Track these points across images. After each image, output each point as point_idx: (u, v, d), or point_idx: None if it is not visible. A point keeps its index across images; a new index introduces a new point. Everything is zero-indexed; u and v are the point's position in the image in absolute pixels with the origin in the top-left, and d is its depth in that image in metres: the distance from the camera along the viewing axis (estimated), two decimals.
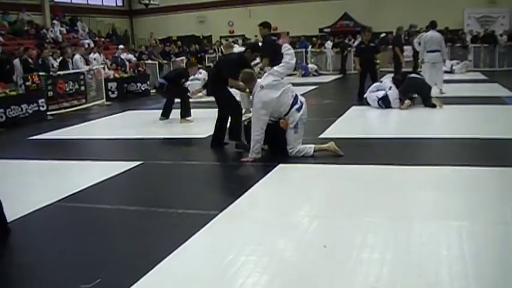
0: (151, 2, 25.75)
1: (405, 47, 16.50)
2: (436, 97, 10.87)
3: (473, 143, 7.08)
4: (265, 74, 6.73)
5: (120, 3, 30.86)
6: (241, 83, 6.90)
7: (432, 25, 12.74)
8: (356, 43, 17.59)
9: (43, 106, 12.15)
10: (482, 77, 17.57)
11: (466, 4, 24.85)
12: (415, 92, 10.57)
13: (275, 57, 8.72)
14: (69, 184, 5.86)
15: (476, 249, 3.60)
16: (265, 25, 9.62)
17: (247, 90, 6.82)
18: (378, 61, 12.31)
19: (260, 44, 9.52)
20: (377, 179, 5.53)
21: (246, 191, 5.23)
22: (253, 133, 6.44)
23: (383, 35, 23.07)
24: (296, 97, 6.56)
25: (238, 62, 7.32)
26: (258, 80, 6.59)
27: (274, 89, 6.38)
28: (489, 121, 8.82)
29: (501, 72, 19.06)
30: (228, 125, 7.51)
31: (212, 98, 7.99)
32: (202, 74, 14.53)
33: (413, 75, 11.13)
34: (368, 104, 10.66)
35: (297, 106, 6.48)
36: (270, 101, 6.33)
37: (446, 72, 18.31)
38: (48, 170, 6.93)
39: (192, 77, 12.57)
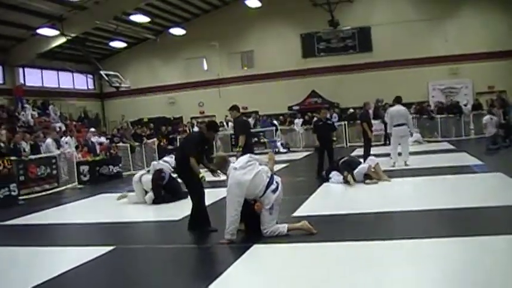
0: (122, 84, 26.03)
1: (373, 121, 16.91)
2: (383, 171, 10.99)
3: (442, 214, 7.20)
4: (240, 157, 6.87)
5: (91, 87, 31.25)
6: (195, 166, 7.01)
7: (397, 100, 13.24)
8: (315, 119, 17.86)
9: (14, 191, 12.06)
10: (450, 146, 18.02)
11: (430, 77, 25.87)
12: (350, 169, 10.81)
13: (248, 135, 10.05)
14: (40, 272, 5.75)
15: None
16: (233, 108, 10.37)
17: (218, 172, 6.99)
18: (334, 138, 12.78)
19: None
20: (351, 256, 5.55)
21: (221, 274, 5.18)
22: (228, 214, 6.40)
23: (351, 110, 23.65)
24: (272, 177, 6.62)
25: (197, 139, 7.43)
26: (232, 164, 6.62)
27: (248, 170, 6.45)
28: (459, 190, 9.03)
29: (467, 141, 19.58)
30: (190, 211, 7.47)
31: None
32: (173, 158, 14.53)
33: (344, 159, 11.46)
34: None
35: (273, 187, 6.52)
36: (244, 182, 6.34)
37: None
38: (19, 257, 6.80)
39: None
